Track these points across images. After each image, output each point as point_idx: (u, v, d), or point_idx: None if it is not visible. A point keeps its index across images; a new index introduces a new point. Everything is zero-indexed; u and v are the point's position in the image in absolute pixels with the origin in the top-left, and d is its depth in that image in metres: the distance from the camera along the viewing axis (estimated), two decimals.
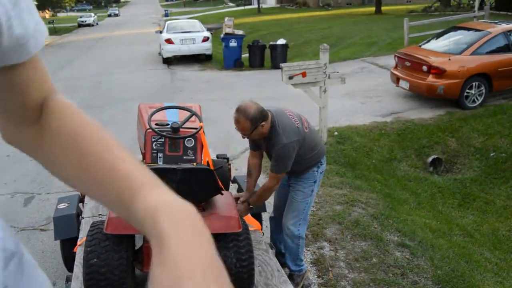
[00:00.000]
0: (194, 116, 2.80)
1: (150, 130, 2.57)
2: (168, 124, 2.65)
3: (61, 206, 3.23)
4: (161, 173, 2.11)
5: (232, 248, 2.27)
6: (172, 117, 2.86)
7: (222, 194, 2.31)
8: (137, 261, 2.37)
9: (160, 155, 2.58)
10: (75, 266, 2.62)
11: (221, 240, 2.29)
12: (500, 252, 4.34)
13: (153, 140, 2.59)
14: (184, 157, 2.59)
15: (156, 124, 2.66)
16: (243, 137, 2.80)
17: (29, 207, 4.84)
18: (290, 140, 2.65)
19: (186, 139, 2.60)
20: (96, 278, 2.14)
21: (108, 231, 2.14)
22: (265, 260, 2.73)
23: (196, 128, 2.64)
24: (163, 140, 2.59)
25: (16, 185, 5.45)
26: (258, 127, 2.61)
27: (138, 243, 2.46)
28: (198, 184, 2.20)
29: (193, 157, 2.61)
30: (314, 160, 2.90)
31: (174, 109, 2.95)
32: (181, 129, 2.60)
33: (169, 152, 2.59)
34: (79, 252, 2.70)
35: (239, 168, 5.54)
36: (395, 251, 3.68)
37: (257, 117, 2.58)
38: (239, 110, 2.60)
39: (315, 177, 2.95)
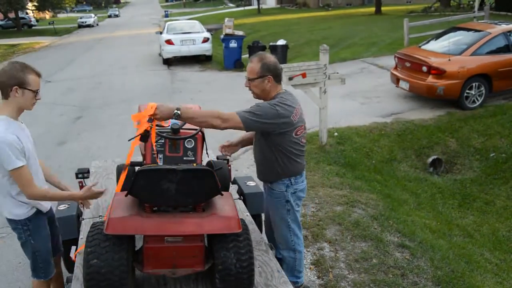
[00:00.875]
0: None
1: None
2: (168, 125, 2.65)
3: (62, 207, 3.23)
4: (161, 174, 2.12)
5: (232, 249, 2.27)
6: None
7: (222, 195, 2.31)
8: (137, 261, 2.37)
9: (160, 156, 2.58)
10: (75, 267, 2.62)
11: (221, 240, 2.29)
12: (500, 253, 4.34)
13: None
14: (184, 158, 2.59)
15: (156, 125, 2.66)
16: (246, 86, 2.67)
17: None
18: (281, 107, 2.47)
19: (186, 140, 2.60)
20: (96, 279, 2.14)
21: (108, 232, 2.14)
22: (265, 260, 2.73)
23: (196, 129, 2.64)
24: (163, 141, 2.59)
25: None
26: (264, 78, 2.55)
27: (138, 244, 2.46)
28: (198, 184, 2.20)
29: (193, 158, 2.61)
30: (285, 170, 2.66)
31: None
32: (181, 130, 2.60)
33: (169, 153, 2.59)
34: (79, 253, 2.70)
35: (239, 169, 5.54)
36: (395, 252, 3.68)
37: (270, 67, 2.54)
38: (258, 53, 2.60)
39: (286, 197, 2.73)
